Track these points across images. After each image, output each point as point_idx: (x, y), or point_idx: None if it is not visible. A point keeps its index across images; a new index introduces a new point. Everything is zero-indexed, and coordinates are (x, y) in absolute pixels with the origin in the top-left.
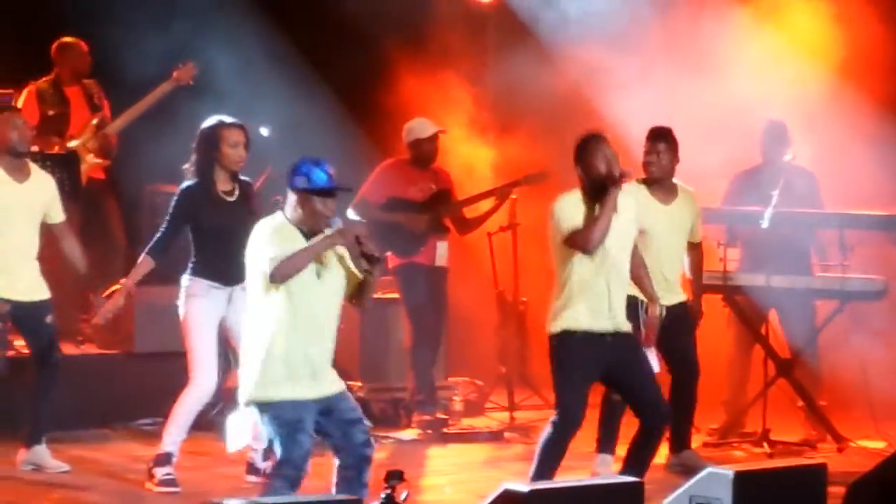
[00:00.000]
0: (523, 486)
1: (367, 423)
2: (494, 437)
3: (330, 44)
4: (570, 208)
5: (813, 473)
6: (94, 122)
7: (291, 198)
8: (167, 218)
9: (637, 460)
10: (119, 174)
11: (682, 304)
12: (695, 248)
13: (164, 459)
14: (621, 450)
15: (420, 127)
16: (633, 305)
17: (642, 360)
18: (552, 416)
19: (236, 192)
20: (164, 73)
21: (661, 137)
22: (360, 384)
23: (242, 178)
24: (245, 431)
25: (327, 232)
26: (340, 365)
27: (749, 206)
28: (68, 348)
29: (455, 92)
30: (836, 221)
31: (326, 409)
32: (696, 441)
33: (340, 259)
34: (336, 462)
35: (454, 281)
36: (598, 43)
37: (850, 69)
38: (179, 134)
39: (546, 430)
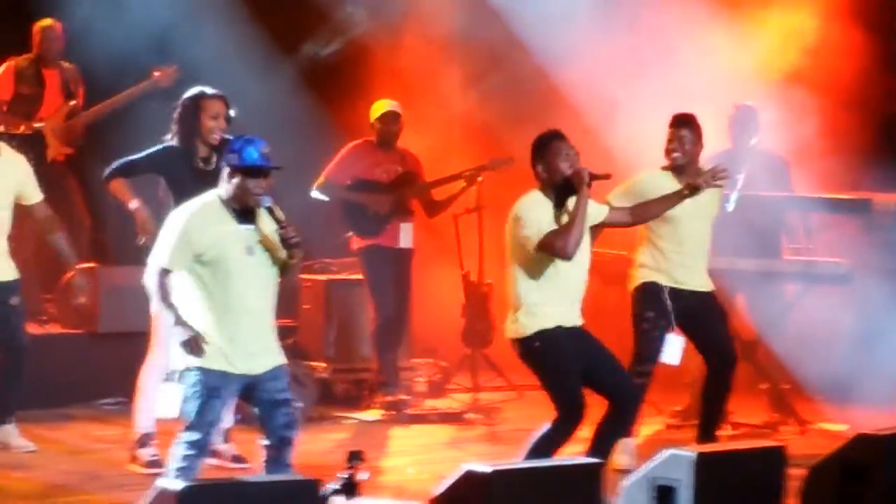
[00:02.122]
0: (486, 467)
1: (296, 405)
2: (457, 418)
3: (296, 22)
4: (536, 210)
5: (772, 455)
6: (66, 109)
7: (225, 174)
8: (138, 156)
9: (604, 442)
10: (84, 154)
11: (709, 293)
12: None
13: (145, 440)
14: None
15: (377, 108)
16: (654, 291)
17: (602, 346)
18: (554, 418)
19: (214, 161)
20: (132, 58)
21: (685, 124)
22: (324, 364)
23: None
24: (175, 401)
25: (263, 217)
26: (304, 345)
27: None
28: (32, 328)
29: (423, 74)
30: (800, 204)
31: (252, 385)
32: (658, 423)
33: (265, 237)
34: (262, 441)
35: (419, 262)
36: (566, 30)
37: (813, 53)
38: (144, 112)
39: (544, 430)
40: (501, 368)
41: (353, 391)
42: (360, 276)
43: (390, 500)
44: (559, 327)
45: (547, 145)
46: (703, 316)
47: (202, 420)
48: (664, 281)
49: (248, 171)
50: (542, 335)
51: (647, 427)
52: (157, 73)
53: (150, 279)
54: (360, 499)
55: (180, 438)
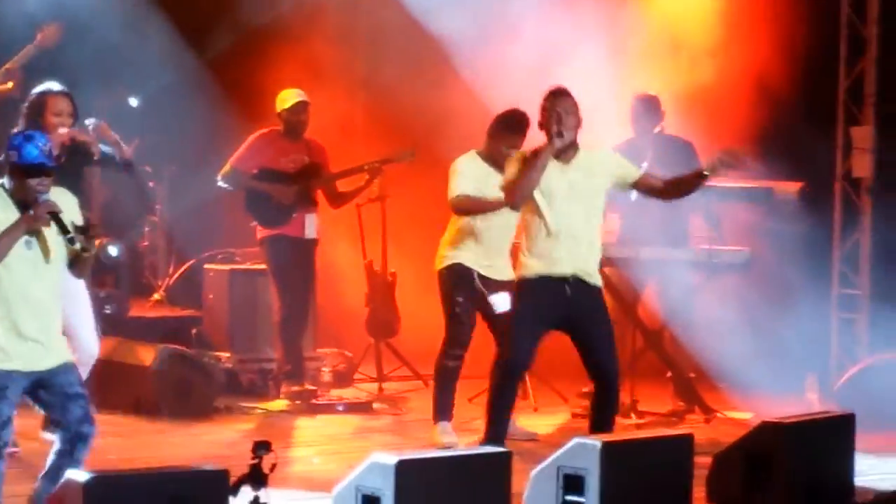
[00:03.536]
0: (391, 458)
1: (89, 404)
2: (363, 408)
3: (201, 14)
4: (512, 163)
5: (679, 444)
6: None
7: (7, 169)
8: None
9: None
10: None
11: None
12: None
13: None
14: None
15: (285, 97)
16: (467, 275)
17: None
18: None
19: (63, 158)
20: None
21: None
22: (228, 355)
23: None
24: None
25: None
26: (208, 335)
27: None
28: None
29: (327, 63)
30: (703, 193)
31: (42, 381)
32: (564, 412)
33: (43, 232)
34: (56, 439)
35: (323, 252)
36: (472, 21)
37: (718, 40)
38: None
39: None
40: (407, 358)
41: (259, 381)
42: (263, 267)
43: (297, 490)
44: (540, 277)
45: (542, 102)
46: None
47: None
48: (472, 265)
49: (27, 169)
50: (520, 281)
51: (553, 416)
52: (40, 35)
53: None
54: (268, 489)
55: None
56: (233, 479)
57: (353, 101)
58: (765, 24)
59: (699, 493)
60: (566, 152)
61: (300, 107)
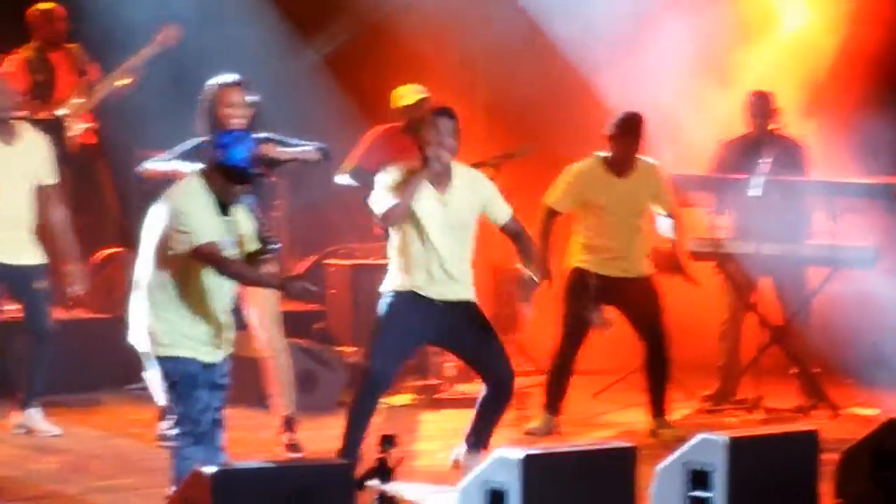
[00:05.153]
0: (517, 452)
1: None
2: None
3: (317, 10)
4: (388, 178)
5: (805, 440)
6: (82, 86)
7: (209, 164)
8: (172, 155)
9: (485, 425)
10: (109, 139)
11: (648, 278)
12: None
13: (163, 413)
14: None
15: (404, 94)
16: (584, 280)
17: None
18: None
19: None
20: (149, 36)
21: None
22: (352, 349)
23: (259, 135)
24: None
25: (240, 212)
26: (332, 330)
27: (737, 175)
28: (59, 312)
29: (444, 59)
30: (826, 189)
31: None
32: (688, 407)
33: (242, 233)
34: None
35: None
36: (585, 15)
37: (851, 38)
38: (167, 99)
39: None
40: (531, 353)
41: None
42: (385, 261)
43: (422, 484)
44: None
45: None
46: (635, 299)
47: (190, 411)
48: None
49: (230, 171)
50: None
51: (679, 411)
52: (160, 36)
53: (227, 269)
54: (394, 483)
55: (177, 431)
56: (359, 473)
57: (473, 97)
58: (878, 13)
59: (825, 490)
60: (441, 177)
61: (422, 103)
